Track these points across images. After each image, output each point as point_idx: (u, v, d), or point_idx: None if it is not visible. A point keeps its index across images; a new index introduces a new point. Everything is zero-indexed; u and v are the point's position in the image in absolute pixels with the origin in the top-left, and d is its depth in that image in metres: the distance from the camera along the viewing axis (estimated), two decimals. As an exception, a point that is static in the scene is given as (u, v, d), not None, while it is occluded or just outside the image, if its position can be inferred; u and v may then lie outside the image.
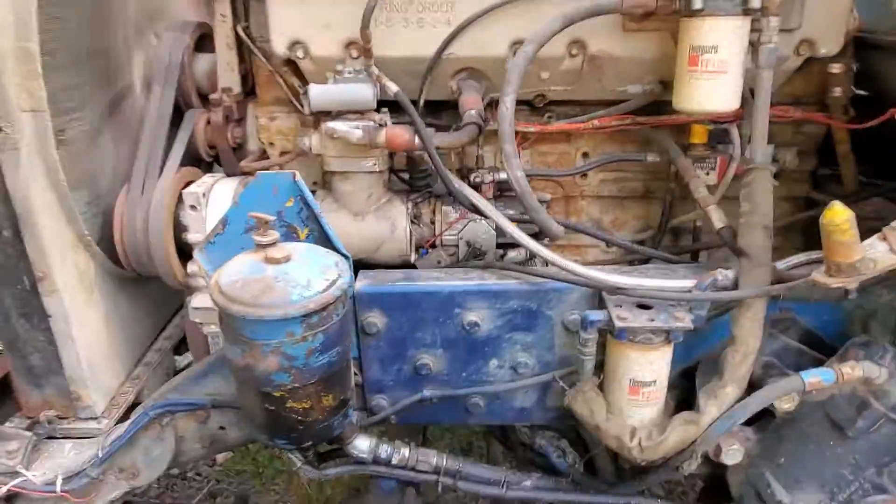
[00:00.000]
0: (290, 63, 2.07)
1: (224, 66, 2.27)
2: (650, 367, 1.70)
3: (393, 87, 1.83)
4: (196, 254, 1.82)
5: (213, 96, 2.20)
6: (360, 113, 1.91)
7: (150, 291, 2.44)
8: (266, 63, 2.15)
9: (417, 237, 2.07)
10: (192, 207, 1.99)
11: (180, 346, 2.68)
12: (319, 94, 1.86)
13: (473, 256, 2.04)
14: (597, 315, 1.70)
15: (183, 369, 2.49)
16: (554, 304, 1.84)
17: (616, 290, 1.73)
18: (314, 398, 1.59)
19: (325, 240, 1.79)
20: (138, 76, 2.33)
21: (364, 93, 1.87)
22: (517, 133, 1.93)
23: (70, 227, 1.97)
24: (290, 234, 1.80)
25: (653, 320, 1.66)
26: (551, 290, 1.83)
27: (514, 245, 2.03)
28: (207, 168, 2.36)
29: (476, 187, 1.99)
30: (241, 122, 2.31)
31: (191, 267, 2.06)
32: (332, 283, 1.55)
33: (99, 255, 2.09)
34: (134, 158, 2.30)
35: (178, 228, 2.06)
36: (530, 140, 2.13)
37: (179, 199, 2.05)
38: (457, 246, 2.06)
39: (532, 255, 2.03)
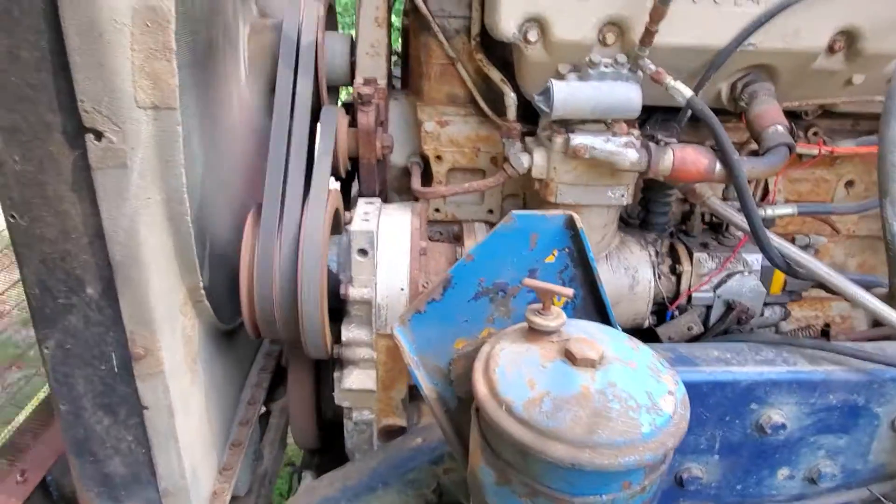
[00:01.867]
0: (489, 48, 1.49)
1: (367, 49, 1.66)
2: None
3: (686, 91, 1.26)
4: (397, 329, 1.22)
5: (361, 89, 1.59)
6: (602, 123, 1.35)
7: (237, 343, 1.81)
8: (447, 46, 1.55)
9: (656, 294, 1.52)
10: (362, 252, 1.38)
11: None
12: (569, 95, 1.28)
13: (737, 322, 1.50)
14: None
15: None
16: (888, 399, 1.33)
17: None
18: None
19: (591, 313, 1.22)
20: (244, 58, 1.69)
21: (631, 96, 1.30)
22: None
23: (186, 279, 1.34)
24: (534, 303, 1.22)
25: None
26: (890, 382, 1.32)
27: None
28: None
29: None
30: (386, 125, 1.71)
31: (346, 333, 1.45)
32: (674, 394, 0.99)
33: (207, 312, 1.46)
34: (240, 171, 1.69)
35: (330, 277, 1.44)
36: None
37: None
38: (709, 307, 1.52)
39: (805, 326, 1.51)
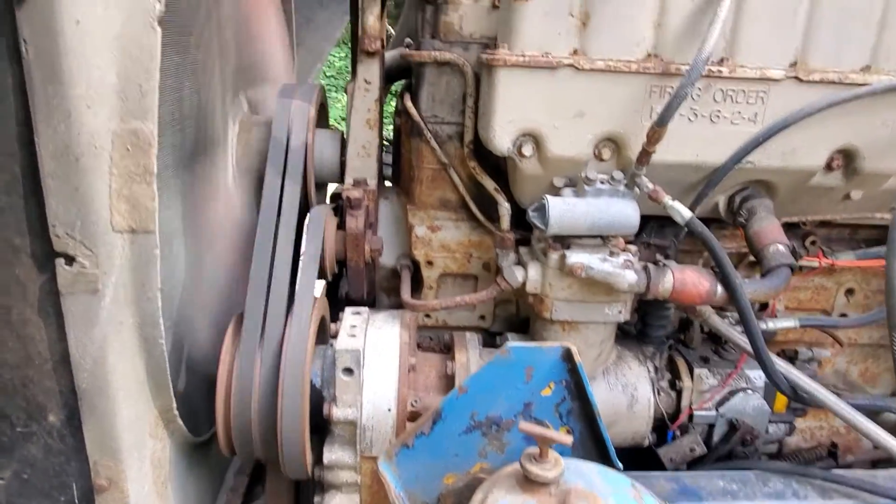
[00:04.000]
0: (482, 155, 1.46)
1: (359, 150, 1.63)
2: None
3: (685, 212, 1.23)
4: (382, 464, 1.14)
5: (351, 193, 1.55)
6: (600, 238, 1.31)
7: (211, 451, 1.71)
8: (440, 152, 1.52)
9: (656, 412, 1.44)
10: (347, 371, 1.31)
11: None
12: (565, 211, 1.25)
13: (741, 443, 1.43)
14: None
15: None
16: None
17: None
18: None
19: (590, 448, 1.15)
20: (231, 157, 1.65)
21: (629, 213, 1.26)
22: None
23: (157, 401, 1.26)
24: (529, 437, 1.15)
25: None
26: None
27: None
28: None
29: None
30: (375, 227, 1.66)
31: (329, 455, 1.36)
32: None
33: (180, 430, 1.37)
34: (224, 271, 1.62)
35: (313, 392, 1.36)
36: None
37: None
38: (712, 426, 1.45)
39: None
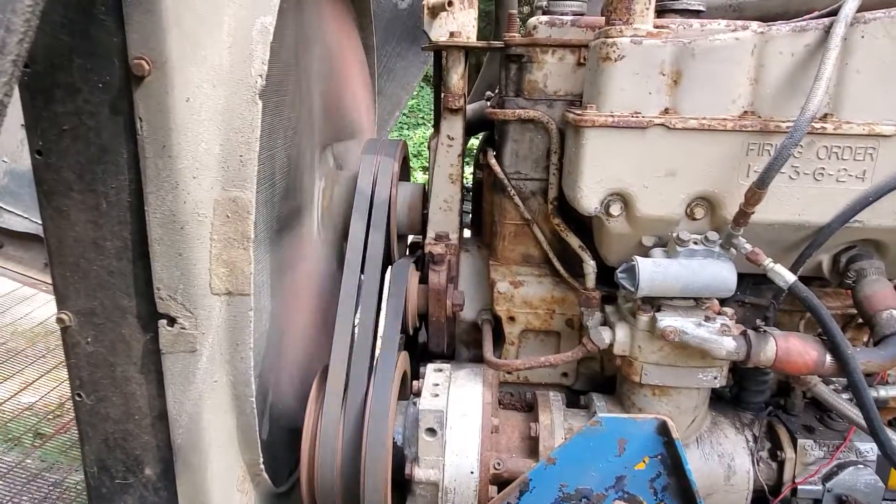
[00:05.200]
0: (566, 211, 1.44)
1: (441, 204, 1.64)
2: None
3: (788, 277, 1.16)
4: (467, 534, 1.11)
5: (434, 248, 1.56)
6: (693, 300, 1.26)
7: (291, 499, 1.72)
8: (522, 208, 1.51)
9: (756, 485, 1.35)
10: (430, 431, 1.30)
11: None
12: (655, 273, 1.20)
13: (853, 523, 1.31)
14: None
15: None
16: None
17: None
18: None
19: (689, 525, 1.08)
20: (317, 210, 1.70)
21: (725, 275, 1.21)
22: None
23: (246, 456, 1.28)
24: (624, 511, 1.09)
25: None
26: None
27: None
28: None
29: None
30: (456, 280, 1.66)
31: (410, 517, 1.34)
32: None
33: (264, 484, 1.39)
34: (308, 322, 1.66)
35: (395, 450, 1.35)
36: None
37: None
38: (818, 501, 1.34)
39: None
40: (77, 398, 1.16)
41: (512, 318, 1.55)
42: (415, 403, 1.38)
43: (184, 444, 1.15)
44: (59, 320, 1.12)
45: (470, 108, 1.78)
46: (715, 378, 1.27)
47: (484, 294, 1.65)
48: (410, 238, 1.94)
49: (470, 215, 1.98)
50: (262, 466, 1.32)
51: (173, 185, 1.03)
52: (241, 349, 1.15)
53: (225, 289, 1.11)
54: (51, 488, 3.89)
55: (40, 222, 2.84)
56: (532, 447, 1.35)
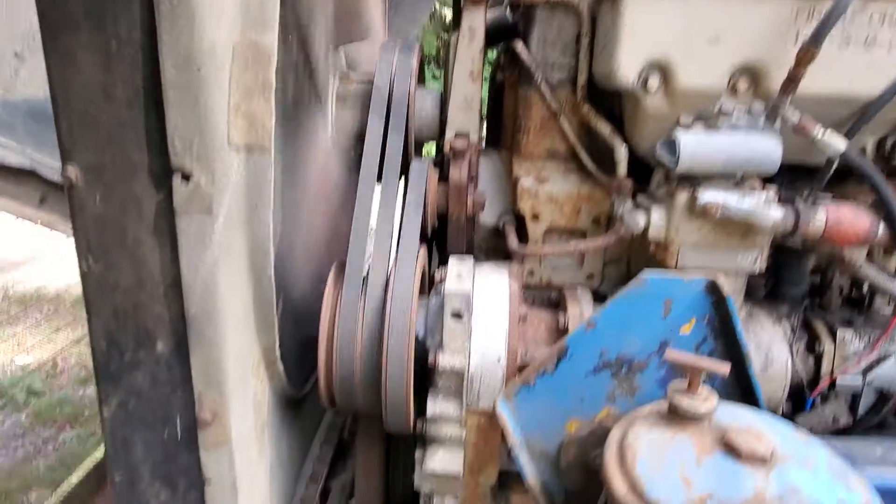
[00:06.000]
0: (595, 101, 1.37)
1: (460, 103, 1.57)
2: None
3: (839, 143, 1.10)
4: (501, 404, 1.05)
5: (455, 143, 1.49)
6: (735, 178, 1.20)
7: (301, 414, 1.66)
8: (549, 97, 1.44)
9: (793, 377, 1.30)
10: (456, 315, 1.23)
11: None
12: (698, 147, 1.14)
13: (894, 414, 1.26)
14: None
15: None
16: None
17: None
18: None
19: (736, 395, 1.02)
20: (331, 111, 1.62)
21: (771, 149, 1.15)
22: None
23: (262, 338, 1.22)
24: (664, 380, 1.04)
25: None
26: None
27: None
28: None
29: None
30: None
31: (433, 407, 1.28)
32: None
33: (278, 375, 1.33)
34: (318, 226, 1.59)
35: (416, 343, 1.29)
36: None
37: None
38: (857, 394, 1.29)
39: None
40: (84, 266, 1.09)
41: (536, 217, 1.49)
42: (439, 292, 1.31)
43: (198, 315, 1.08)
44: (65, 178, 1.04)
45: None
46: (755, 260, 1.21)
47: (503, 199, 1.59)
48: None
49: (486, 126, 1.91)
50: (278, 354, 1.26)
51: (189, 23, 0.95)
52: (259, 211, 1.08)
53: (244, 143, 1.04)
54: (43, 444, 3.82)
55: (36, 157, 2.73)
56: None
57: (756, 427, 0.83)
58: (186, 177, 1.02)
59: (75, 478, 2.82)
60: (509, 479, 1.39)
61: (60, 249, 5.63)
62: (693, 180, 1.21)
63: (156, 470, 1.19)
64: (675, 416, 0.86)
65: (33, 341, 4.70)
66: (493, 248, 1.61)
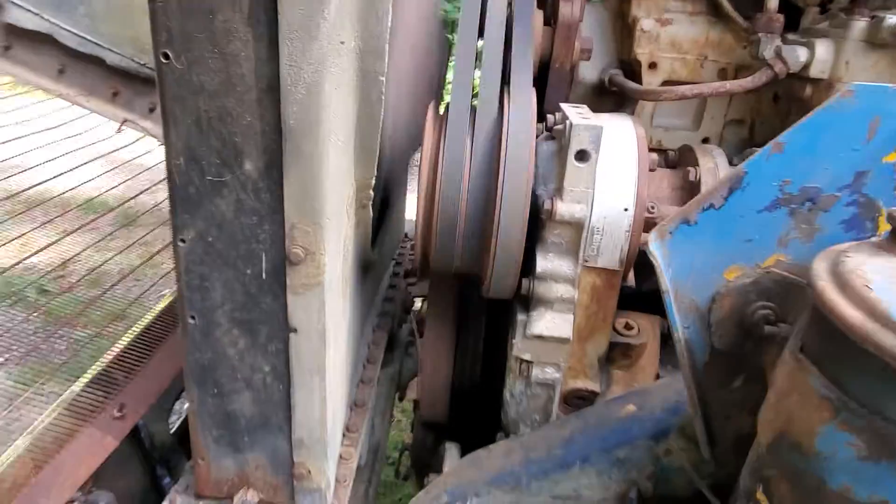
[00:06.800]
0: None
1: (568, -64, 1.36)
2: None
3: None
4: (653, 244, 0.90)
5: (565, -24, 1.29)
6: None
7: (366, 282, 1.52)
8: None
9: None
10: (582, 155, 1.06)
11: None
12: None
13: None
14: None
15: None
16: None
17: None
18: None
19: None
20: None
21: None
22: None
23: (360, 171, 1.06)
24: (851, 223, 0.89)
25: None
26: None
27: None
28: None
29: None
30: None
31: (544, 263, 1.13)
32: None
33: (365, 222, 1.18)
34: (406, 71, 1.40)
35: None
36: None
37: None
38: None
39: None
40: (163, 61, 0.90)
41: (653, 65, 1.31)
42: (550, 136, 1.15)
43: (297, 127, 0.91)
44: (145, -55, 0.85)
45: None
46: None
47: (608, 51, 1.40)
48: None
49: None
50: (372, 193, 1.10)
51: None
52: (375, 1, 0.90)
53: None
54: (57, 339, 3.73)
55: (54, 20, 2.46)
56: (690, 196, 1.14)
57: None
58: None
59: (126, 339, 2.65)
60: (612, 353, 1.27)
61: (67, 151, 5.43)
62: (869, 5, 1.03)
63: (235, 314, 1.04)
64: (900, 243, 0.71)
65: (40, 244, 4.57)
66: (594, 108, 1.43)
